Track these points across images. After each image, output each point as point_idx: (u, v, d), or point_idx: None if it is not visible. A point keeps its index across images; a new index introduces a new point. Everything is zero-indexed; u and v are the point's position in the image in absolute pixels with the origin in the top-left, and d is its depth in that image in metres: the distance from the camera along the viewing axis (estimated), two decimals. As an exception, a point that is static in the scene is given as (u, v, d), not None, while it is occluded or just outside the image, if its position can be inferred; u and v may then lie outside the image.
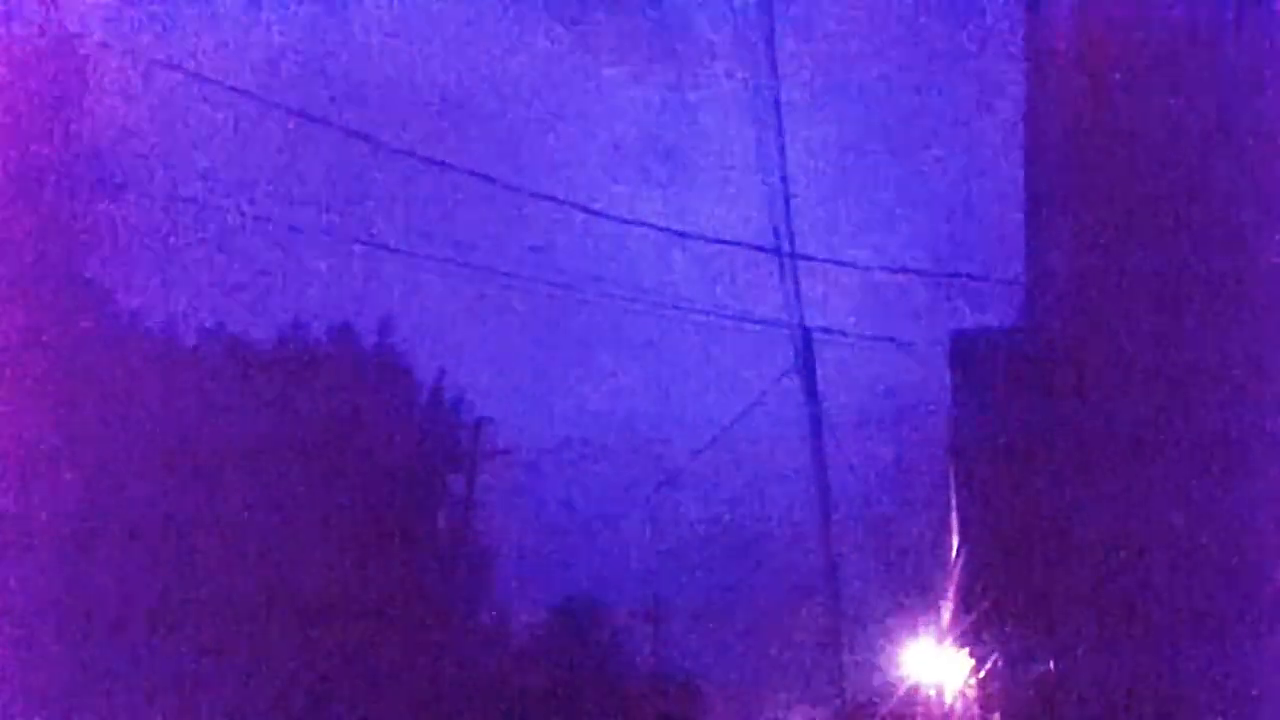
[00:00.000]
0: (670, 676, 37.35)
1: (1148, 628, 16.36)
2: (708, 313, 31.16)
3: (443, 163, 25.14)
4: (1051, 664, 17.81)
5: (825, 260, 25.80)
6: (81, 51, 21.00)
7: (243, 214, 24.66)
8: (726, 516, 34.12)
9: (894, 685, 33.01)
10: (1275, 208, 16.41)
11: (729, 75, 27.03)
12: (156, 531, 22.59)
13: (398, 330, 28.59)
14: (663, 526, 33.72)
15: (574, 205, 24.45)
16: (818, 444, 27.57)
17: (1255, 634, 16.04)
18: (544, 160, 32.42)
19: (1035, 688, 18.95)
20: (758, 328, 26.96)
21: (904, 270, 27.58)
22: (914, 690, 32.75)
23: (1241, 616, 16.09)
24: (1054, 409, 17.73)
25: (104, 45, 21.17)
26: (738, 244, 26.37)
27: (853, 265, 26.61)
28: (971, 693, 26.45)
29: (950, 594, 28.40)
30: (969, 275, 24.27)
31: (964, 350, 23.79)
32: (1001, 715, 22.54)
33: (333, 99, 25.39)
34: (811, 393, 26.14)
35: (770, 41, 21.45)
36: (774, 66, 21.33)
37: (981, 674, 24.37)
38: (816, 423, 26.92)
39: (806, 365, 25.70)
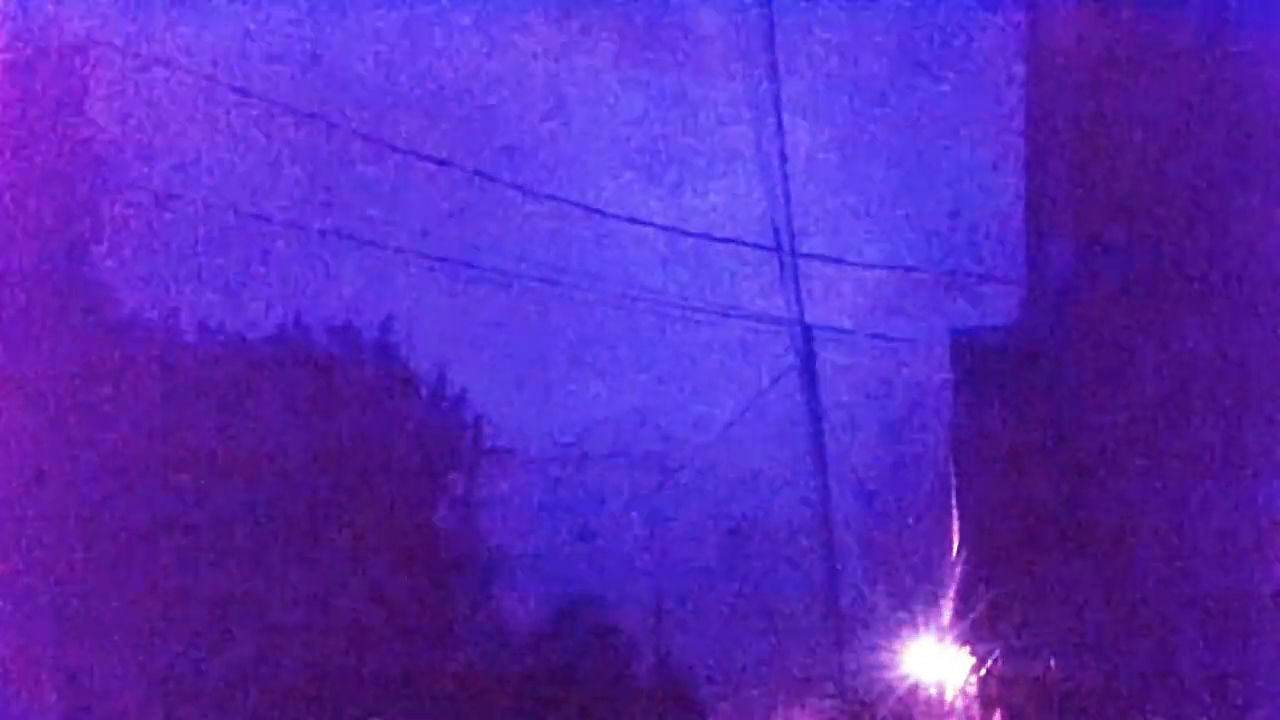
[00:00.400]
0: (672, 675, 37.33)
1: (1148, 625, 16.38)
2: (708, 311, 31.12)
3: (442, 160, 25.17)
4: (1052, 662, 17.82)
5: (826, 258, 25.83)
6: (82, 50, 21.00)
7: (240, 212, 24.67)
8: (727, 515, 34.09)
9: (894, 683, 33.01)
10: (1275, 205, 16.42)
11: (730, 72, 27.03)
12: (152, 531, 22.57)
13: (396, 329, 28.57)
14: (663, 525, 33.71)
15: (573, 203, 24.48)
16: (818, 442, 27.60)
17: (1255, 631, 16.05)
18: (543, 158, 32.38)
19: (1036, 686, 18.96)
20: (758, 326, 26.97)
21: (905, 268, 27.60)
22: (914, 688, 32.75)
23: (1241, 614, 16.10)
24: (1055, 407, 17.75)
25: (105, 44, 21.18)
26: (738, 242, 26.40)
27: (853, 263, 26.63)
28: (972, 691, 26.46)
29: (951, 592, 28.39)
30: (970, 273, 24.28)
31: (965, 348, 23.80)
32: (1002, 713, 22.55)
33: (332, 97, 25.39)
34: (812, 391, 26.17)
35: (771, 39, 21.48)
36: (774, 64, 21.37)
37: (982, 672, 24.38)
38: (817, 421, 26.96)
39: (807, 363, 25.72)
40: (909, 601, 31.49)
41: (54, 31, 20.61)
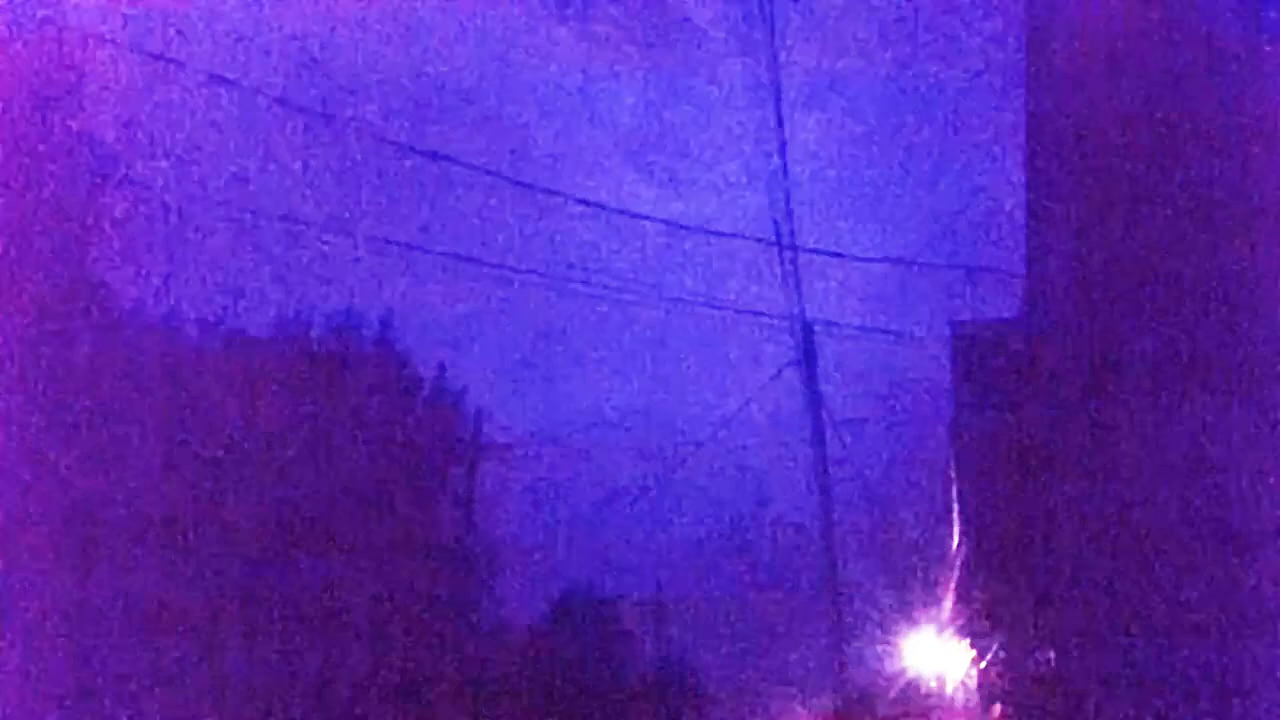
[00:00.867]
0: (672, 670, 37.35)
1: (1148, 620, 16.38)
2: (709, 306, 31.15)
3: (443, 156, 25.17)
4: (1052, 655, 17.84)
5: (826, 253, 25.86)
6: (84, 46, 21.00)
7: (241, 208, 24.67)
8: (728, 509, 34.13)
9: (895, 676, 33.03)
10: (1275, 199, 16.43)
11: (731, 68, 27.06)
12: (155, 528, 22.57)
13: (397, 324, 28.59)
14: (664, 520, 33.73)
15: (574, 198, 24.48)
16: (818, 436, 27.64)
17: (1255, 627, 16.06)
18: (544, 153, 32.41)
19: (1036, 679, 18.98)
20: (759, 321, 27.00)
21: (905, 262, 27.65)
22: (915, 681, 32.78)
23: (1241, 609, 16.11)
24: (1055, 401, 17.75)
25: (107, 40, 21.18)
26: (739, 236, 26.43)
27: (854, 258, 26.68)
28: (972, 684, 26.48)
29: (951, 585, 28.42)
30: (970, 267, 24.32)
31: (965, 342, 23.82)
32: (1002, 706, 22.58)
33: (333, 93, 25.40)
34: (812, 385, 26.21)
35: (772, 34, 21.50)
36: (775, 59, 21.39)
37: (982, 665, 24.41)
38: (817, 415, 26.99)
39: (807, 358, 25.77)
40: (909, 594, 31.54)
41: (54, 26, 20.61)
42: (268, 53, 25.48)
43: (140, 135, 22.89)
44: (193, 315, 25.55)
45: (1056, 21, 18.67)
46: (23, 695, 19.15)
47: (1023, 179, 21.14)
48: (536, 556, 31.76)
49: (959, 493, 27.09)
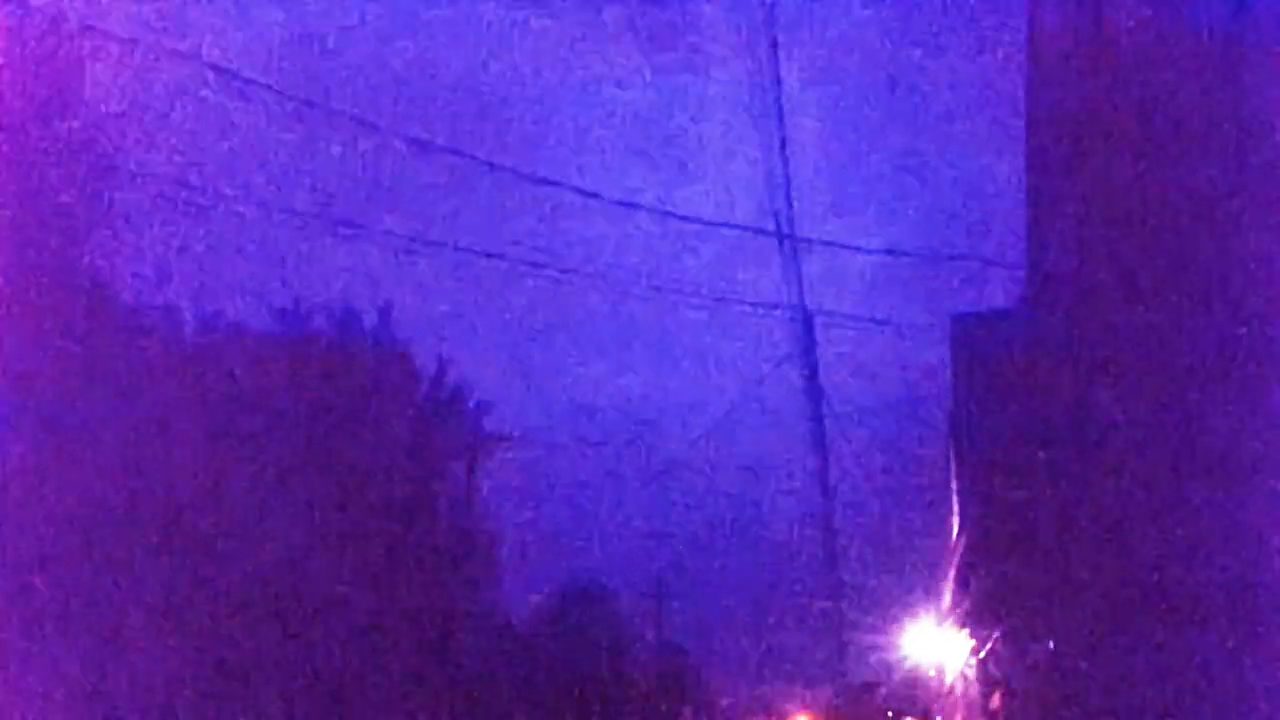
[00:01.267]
0: (674, 658, 37.49)
1: (1146, 609, 16.48)
2: (709, 297, 31.31)
3: (446, 149, 25.23)
4: (1051, 644, 17.93)
5: (826, 244, 25.95)
6: (89, 40, 21.05)
7: (244, 200, 24.71)
8: (728, 499, 34.25)
9: (894, 665, 33.17)
10: (1271, 193, 16.51)
11: (731, 63, 27.12)
12: (158, 521, 22.60)
13: (399, 316, 28.63)
14: (665, 509, 33.87)
15: (576, 190, 24.53)
16: (818, 426, 27.74)
17: (1252, 615, 16.16)
18: (546, 146, 32.53)
19: (1034, 668, 19.07)
20: (759, 312, 27.08)
21: (904, 254, 27.77)
22: (914, 670, 32.90)
23: (1239, 598, 16.20)
24: (1053, 391, 17.84)
25: (110, 34, 21.22)
26: (739, 228, 26.51)
27: (853, 249, 26.77)
28: (971, 673, 26.59)
29: (950, 575, 28.52)
30: (969, 258, 24.40)
31: (964, 332, 23.92)
32: (1001, 695, 22.67)
33: (335, 87, 25.44)
34: (812, 375, 26.30)
35: (772, 29, 21.59)
36: (776, 53, 21.48)
37: (981, 654, 24.50)
38: (817, 405, 27.09)
39: (807, 348, 25.84)
40: (909, 584, 31.68)
41: (54, 21, 20.66)
42: (273, 47, 25.57)
43: (144, 126, 22.95)
44: (192, 307, 25.59)
45: (1057, 16, 18.77)
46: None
47: (1022, 171, 21.23)
48: (540, 544, 31.87)
49: (958, 481, 27.20)
